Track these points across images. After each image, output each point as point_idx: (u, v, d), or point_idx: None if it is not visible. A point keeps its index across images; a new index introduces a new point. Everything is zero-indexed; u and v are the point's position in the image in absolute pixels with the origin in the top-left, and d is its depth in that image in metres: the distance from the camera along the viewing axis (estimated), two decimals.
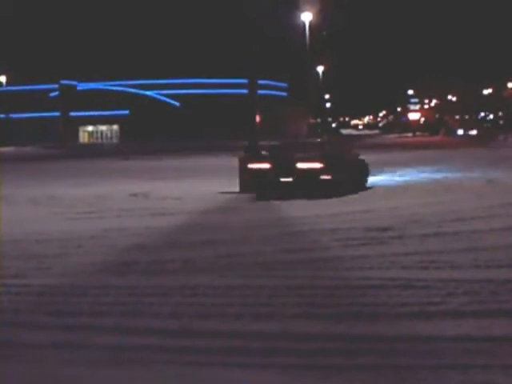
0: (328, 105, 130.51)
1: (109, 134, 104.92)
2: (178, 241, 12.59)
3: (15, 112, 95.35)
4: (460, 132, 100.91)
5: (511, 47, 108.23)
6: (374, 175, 24.70)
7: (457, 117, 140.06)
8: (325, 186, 19.28)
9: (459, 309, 7.51)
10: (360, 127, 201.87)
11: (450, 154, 47.35)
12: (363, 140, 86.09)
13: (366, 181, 22.37)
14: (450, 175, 26.57)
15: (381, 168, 29.01)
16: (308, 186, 19.27)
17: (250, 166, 19.34)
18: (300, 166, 19.51)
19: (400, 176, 26.69)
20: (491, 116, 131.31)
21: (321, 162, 19.49)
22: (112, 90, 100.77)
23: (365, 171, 22.35)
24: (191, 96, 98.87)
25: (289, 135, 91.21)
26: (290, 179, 19.28)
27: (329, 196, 18.79)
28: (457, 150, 52.49)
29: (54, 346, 6.72)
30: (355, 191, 20.05)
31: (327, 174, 19.33)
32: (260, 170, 19.42)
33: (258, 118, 23.66)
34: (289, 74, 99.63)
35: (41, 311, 7.92)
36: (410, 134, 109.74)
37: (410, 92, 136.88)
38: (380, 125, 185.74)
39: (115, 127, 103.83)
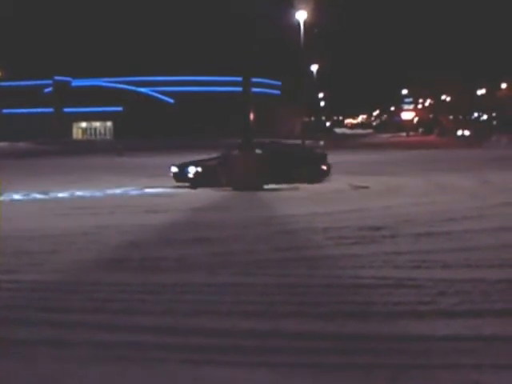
0: (322, 103, 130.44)
1: (102, 131, 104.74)
2: (171, 238, 12.58)
3: (9, 107, 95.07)
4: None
5: (505, 48, 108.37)
6: None
7: (451, 117, 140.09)
8: None
9: (450, 308, 7.53)
10: (350, 126, 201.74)
11: (445, 154, 47.46)
12: (357, 139, 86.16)
13: None
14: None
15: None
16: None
17: None
18: None
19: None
20: (485, 116, 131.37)
21: None
22: (106, 87, 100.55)
23: None
24: (185, 93, 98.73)
25: (282, 133, 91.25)
26: None
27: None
28: (450, 150, 52.61)
29: (46, 342, 6.70)
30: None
31: None
32: None
33: (251, 116, 23.62)
34: (283, 72, 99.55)
35: (33, 307, 7.90)
36: (403, 134, 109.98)
37: (404, 92, 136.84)
38: (373, 124, 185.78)
39: (109, 124, 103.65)
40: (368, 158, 44.86)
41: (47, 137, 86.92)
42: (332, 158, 27.48)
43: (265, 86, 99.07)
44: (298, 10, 44.81)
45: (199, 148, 57.56)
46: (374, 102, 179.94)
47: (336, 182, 24.23)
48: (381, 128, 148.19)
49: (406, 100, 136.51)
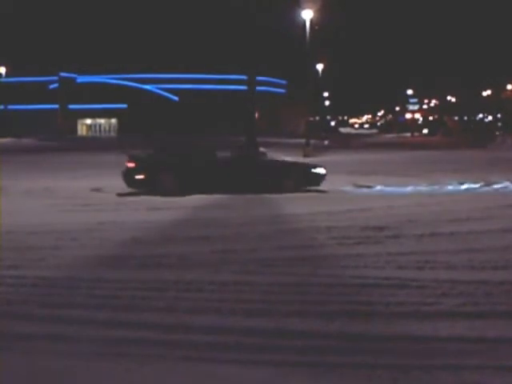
0: (327, 103, 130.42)
1: (107, 128, 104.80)
2: (174, 236, 12.56)
3: (14, 103, 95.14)
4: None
5: (510, 49, 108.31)
6: None
7: (456, 118, 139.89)
8: None
9: (453, 309, 7.50)
10: (356, 126, 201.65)
11: (449, 154, 47.38)
12: (362, 139, 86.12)
13: None
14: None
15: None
16: None
17: None
18: None
19: None
20: (490, 117, 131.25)
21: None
22: (111, 84, 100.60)
23: None
24: (190, 91, 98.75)
25: (286, 132, 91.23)
26: None
27: None
28: (455, 150, 52.53)
29: (47, 337, 6.69)
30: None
31: None
32: None
33: (256, 115, 23.63)
34: (288, 71, 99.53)
35: (34, 303, 7.89)
36: (408, 134, 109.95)
37: (410, 92, 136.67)
38: (378, 124, 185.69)
39: (113, 121, 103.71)
40: (372, 157, 44.78)
41: (52, 133, 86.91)
42: (336, 157, 27.42)
43: (270, 84, 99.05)
44: (304, 9, 44.79)
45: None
46: (379, 102, 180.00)
47: (340, 182, 24.18)
48: (385, 128, 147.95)
49: (412, 100, 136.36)
